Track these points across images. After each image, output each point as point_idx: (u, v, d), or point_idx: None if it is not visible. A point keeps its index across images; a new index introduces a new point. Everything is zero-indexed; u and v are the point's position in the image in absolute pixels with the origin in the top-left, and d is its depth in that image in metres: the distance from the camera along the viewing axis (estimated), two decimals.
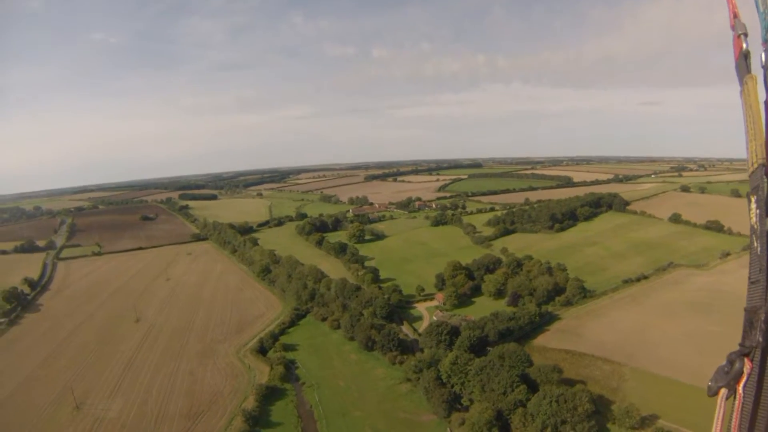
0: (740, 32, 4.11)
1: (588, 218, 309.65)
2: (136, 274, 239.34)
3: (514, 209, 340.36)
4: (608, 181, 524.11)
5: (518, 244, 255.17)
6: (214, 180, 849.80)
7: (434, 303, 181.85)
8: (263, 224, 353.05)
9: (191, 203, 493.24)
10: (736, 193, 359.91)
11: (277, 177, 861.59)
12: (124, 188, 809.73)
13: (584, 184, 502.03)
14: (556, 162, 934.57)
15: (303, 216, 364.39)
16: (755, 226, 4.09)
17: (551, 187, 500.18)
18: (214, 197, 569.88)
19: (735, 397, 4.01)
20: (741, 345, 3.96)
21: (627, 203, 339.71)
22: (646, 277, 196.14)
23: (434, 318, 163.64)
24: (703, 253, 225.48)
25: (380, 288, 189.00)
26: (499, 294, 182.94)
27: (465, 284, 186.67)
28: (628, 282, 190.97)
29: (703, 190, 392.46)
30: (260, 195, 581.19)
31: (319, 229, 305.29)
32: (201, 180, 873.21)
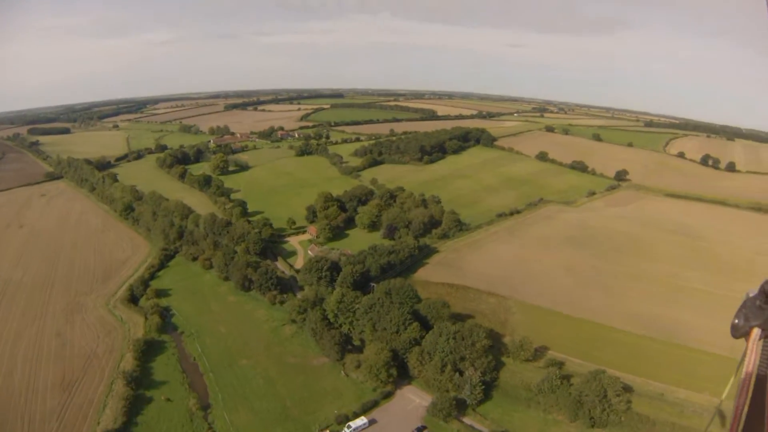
0: None
1: (456, 152, 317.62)
2: None
3: (381, 140, 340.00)
4: (472, 117, 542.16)
5: (388, 175, 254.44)
6: (67, 112, 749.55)
7: (307, 236, 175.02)
8: (122, 158, 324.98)
9: (42, 138, 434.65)
10: (597, 138, 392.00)
11: (134, 107, 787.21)
12: None
13: (448, 118, 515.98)
14: (418, 95, 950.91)
15: (163, 148, 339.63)
16: None
17: (416, 120, 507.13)
18: (67, 131, 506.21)
19: None
20: None
21: (495, 139, 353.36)
22: (519, 212, 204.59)
23: (309, 252, 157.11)
24: (571, 191, 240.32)
25: (250, 222, 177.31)
26: (373, 227, 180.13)
27: (338, 216, 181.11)
28: (502, 216, 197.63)
29: (566, 132, 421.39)
30: (116, 127, 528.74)
31: (180, 162, 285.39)
32: (52, 113, 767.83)
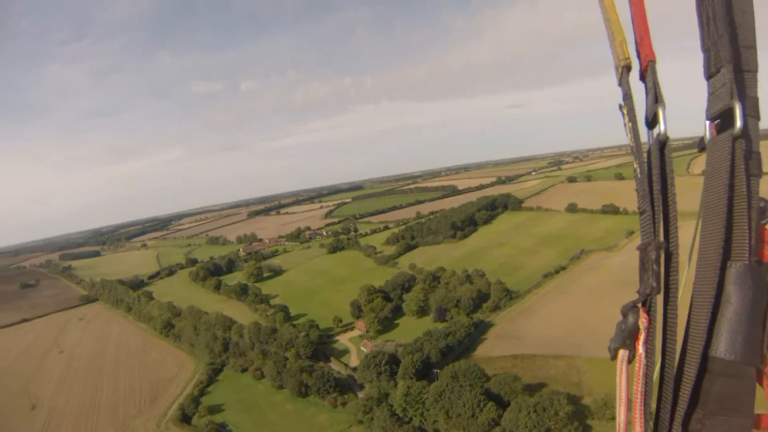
0: None
1: (487, 221, 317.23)
2: (24, 351, 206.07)
3: (410, 224, 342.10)
4: (492, 184, 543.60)
5: (424, 257, 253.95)
6: (94, 236, 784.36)
7: (356, 332, 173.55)
8: (154, 276, 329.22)
9: (74, 263, 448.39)
10: (620, 177, 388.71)
11: (159, 225, 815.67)
12: None
13: (470, 190, 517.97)
14: (434, 174, 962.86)
15: (194, 262, 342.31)
16: (632, 144, 3.66)
17: (438, 198, 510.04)
18: (97, 254, 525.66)
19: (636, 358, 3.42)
20: (638, 293, 3.41)
21: (521, 201, 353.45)
22: (564, 268, 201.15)
23: (362, 348, 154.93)
24: (609, 235, 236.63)
25: (295, 326, 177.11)
26: (422, 312, 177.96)
27: (384, 307, 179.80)
28: (548, 276, 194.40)
29: (588, 179, 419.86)
30: (145, 246, 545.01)
31: (213, 273, 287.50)
32: (80, 237, 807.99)
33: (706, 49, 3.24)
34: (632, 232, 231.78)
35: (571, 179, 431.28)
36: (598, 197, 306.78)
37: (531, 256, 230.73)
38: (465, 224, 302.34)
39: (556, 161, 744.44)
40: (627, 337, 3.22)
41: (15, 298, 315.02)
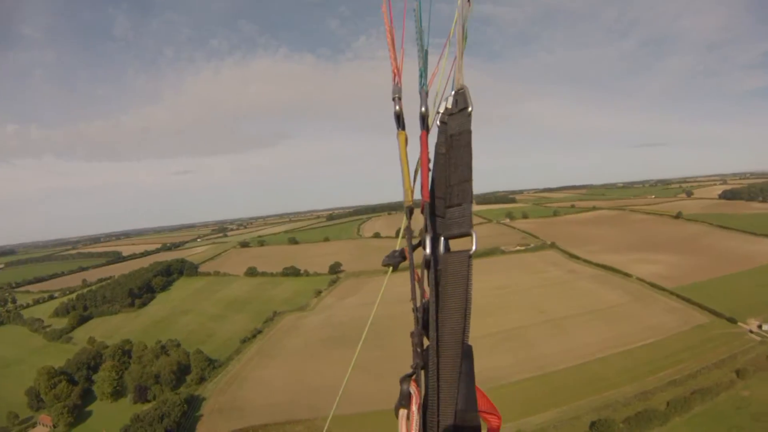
0: (396, 95, 4.40)
1: (165, 288, 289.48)
2: None
3: (79, 292, 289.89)
4: (158, 251, 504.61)
5: (104, 329, 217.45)
6: None
7: (43, 429, 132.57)
8: None
9: None
10: (294, 241, 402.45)
11: None
12: None
13: (135, 256, 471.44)
14: (94, 240, 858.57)
15: None
16: (408, 258, 4.33)
17: (104, 264, 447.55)
18: None
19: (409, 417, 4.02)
20: (411, 367, 4.10)
21: (197, 266, 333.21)
22: (260, 332, 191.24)
23: None
24: (297, 296, 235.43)
25: None
26: (118, 393, 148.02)
27: (71, 393, 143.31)
28: (246, 341, 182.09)
29: (262, 243, 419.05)
30: None
31: None
32: None
33: (449, 186, 4.14)
34: (320, 292, 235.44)
35: (244, 244, 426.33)
36: (276, 260, 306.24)
37: (221, 322, 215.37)
38: (142, 291, 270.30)
39: (221, 228, 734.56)
40: (403, 400, 3.84)
41: None
